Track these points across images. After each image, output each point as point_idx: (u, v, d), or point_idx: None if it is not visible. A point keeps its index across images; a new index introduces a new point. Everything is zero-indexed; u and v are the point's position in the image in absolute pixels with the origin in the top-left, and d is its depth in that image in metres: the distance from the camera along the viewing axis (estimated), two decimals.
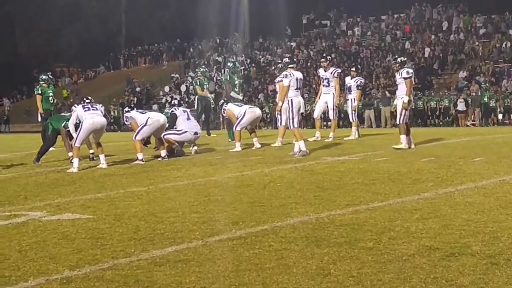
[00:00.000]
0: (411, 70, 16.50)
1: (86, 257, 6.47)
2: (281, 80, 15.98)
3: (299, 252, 6.35)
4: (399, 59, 17.20)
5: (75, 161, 14.55)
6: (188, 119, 17.20)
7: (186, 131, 16.87)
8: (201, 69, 26.79)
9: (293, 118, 15.52)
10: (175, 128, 16.88)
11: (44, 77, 21.87)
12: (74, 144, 14.84)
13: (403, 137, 15.95)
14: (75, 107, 15.85)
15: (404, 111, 16.04)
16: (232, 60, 27.79)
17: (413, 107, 39.29)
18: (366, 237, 6.85)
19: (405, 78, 16.18)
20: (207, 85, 25.37)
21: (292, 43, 58.57)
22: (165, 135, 16.39)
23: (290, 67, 16.04)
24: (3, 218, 8.76)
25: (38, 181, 13.14)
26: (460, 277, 5.36)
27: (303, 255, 6.23)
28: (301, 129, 17.60)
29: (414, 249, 6.28)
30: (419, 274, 5.48)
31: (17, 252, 6.82)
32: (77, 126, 15.19)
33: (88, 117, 14.89)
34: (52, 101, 21.31)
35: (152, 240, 7.12)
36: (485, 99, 38.23)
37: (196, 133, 17.20)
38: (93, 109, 15.18)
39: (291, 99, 15.52)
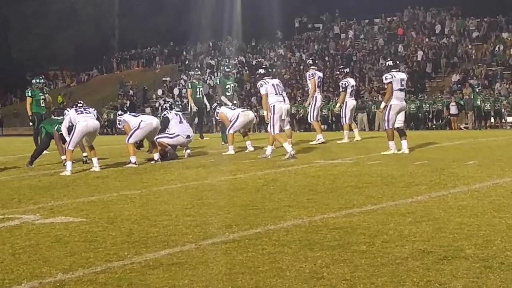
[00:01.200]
0: (389, 76, 16.05)
1: (79, 260, 6.46)
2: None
3: (292, 256, 6.35)
4: (387, 63, 17.21)
5: (69, 164, 14.54)
6: (181, 122, 17.23)
7: (178, 135, 16.90)
8: (193, 72, 26.75)
9: (274, 125, 15.60)
10: (168, 131, 16.91)
11: (35, 80, 21.76)
12: (68, 147, 14.84)
13: (391, 143, 15.86)
14: (68, 110, 15.75)
15: (389, 116, 15.98)
16: (226, 63, 27.83)
17: (406, 111, 39.55)
18: (359, 240, 6.86)
19: (385, 84, 16.33)
20: (201, 88, 25.34)
21: (280, 50, 58.51)
22: (157, 138, 16.41)
23: (264, 78, 16.13)
24: None
25: (32, 184, 13.11)
26: (454, 281, 5.37)
27: (296, 259, 6.24)
28: (294, 132, 17.51)
29: (407, 253, 6.28)
30: (413, 278, 5.49)
31: (11, 255, 6.81)
32: (70, 129, 15.19)
33: (81, 120, 14.92)
34: (43, 105, 21.14)
35: (145, 243, 7.12)
36: (478, 102, 38.20)
37: (188, 136, 17.21)
38: (86, 113, 15.20)
39: (273, 105, 15.64)
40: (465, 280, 5.38)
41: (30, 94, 20.91)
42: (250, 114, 18.94)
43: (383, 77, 16.48)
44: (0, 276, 6.02)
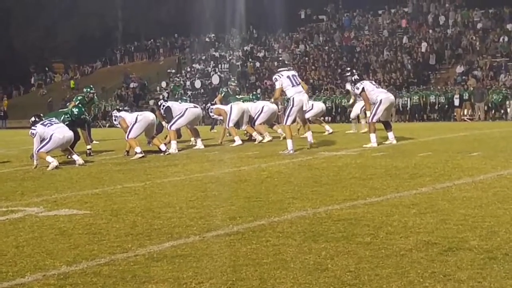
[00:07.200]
0: (359, 84, 16.67)
1: (83, 253, 6.45)
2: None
3: (296, 247, 6.33)
4: (353, 78, 17.56)
5: (34, 162, 14.62)
6: (180, 103, 18.08)
7: (187, 108, 17.32)
8: (230, 83, 26.29)
9: (289, 116, 15.40)
10: (176, 116, 17.21)
11: (86, 89, 20.79)
12: (37, 150, 14.56)
13: (373, 136, 15.94)
14: (34, 129, 14.86)
15: (377, 110, 16.08)
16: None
17: (409, 102, 39.67)
18: (363, 232, 6.84)
19: (359, 94, 16.79)
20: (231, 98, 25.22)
21: (285, 40, 58.52)
22: (171, 126, 16.84)
23: (279, 71, 15.97)
24: (0, 214, 8.75)
25: (35, 176, 13.12)
26: (458, 272, 5.35)
27: (300, 250, 6.22)
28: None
29: (411, 244, 6.26)
30: (417, 269, 5.47)
31: (14, 247, 6.81)
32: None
33: (57, 131, 14.68)
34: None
35: (149, 235, 7.11)
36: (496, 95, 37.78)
37: (196, 106, 18.18)
38: (55, 123, 14.97)
39: (293, 97, 15.37)
40: (469, 271, 5.36)
41: (77, 102, 19.57)
42: (244, 106, 19.09)
43: (355, 88, 16.90)
44: (3, 268, 6.01)
